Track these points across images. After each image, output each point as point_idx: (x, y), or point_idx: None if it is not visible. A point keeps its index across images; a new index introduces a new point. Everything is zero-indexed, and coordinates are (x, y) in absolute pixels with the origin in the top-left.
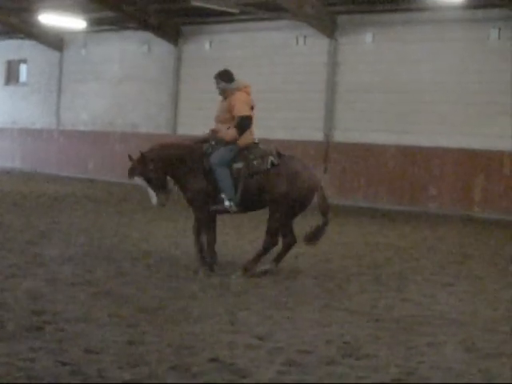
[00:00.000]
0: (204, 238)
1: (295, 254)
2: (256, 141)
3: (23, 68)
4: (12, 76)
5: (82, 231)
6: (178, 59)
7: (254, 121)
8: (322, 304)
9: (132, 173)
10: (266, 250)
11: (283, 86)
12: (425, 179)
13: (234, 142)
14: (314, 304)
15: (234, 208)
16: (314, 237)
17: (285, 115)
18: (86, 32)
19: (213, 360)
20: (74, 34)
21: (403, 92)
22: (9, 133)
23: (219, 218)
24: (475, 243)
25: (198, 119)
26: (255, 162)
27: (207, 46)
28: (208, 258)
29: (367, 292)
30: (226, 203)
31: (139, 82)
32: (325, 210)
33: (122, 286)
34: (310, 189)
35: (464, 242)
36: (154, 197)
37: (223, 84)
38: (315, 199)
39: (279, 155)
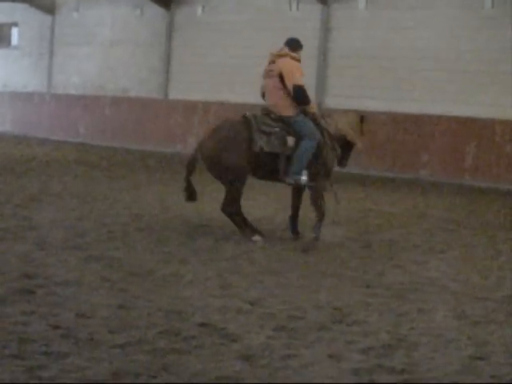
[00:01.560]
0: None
1: (285, 219)
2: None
3: (14, 31)
4: (3, 39)
5: (73, 195)
6: (170, 23)
7: (249, 82)
8: (312, 270)
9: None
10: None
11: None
12: (416, 146)
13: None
14: (305, 270)
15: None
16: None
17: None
18: None
19: (203, 324)
20: None
21: (396, 59)
22: (0, 96)
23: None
24: (466, 211)
25: (190, 84)
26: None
27: (200, 10)
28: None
29: (358, 258)
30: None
31: (131, 45)
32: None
33: (113, 250)
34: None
35: (455, 209)
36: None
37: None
38: None
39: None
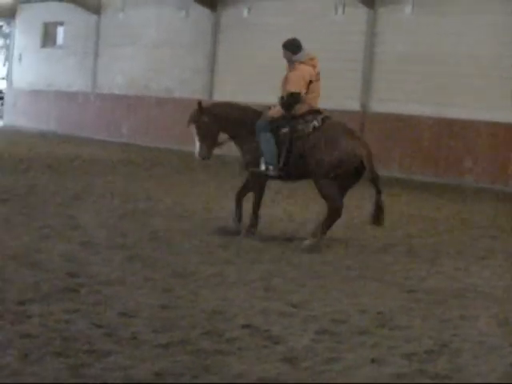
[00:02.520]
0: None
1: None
2: (317, 109)
3: (60, 31)
4: (49, 38)
5: (116, 195)
6: (216, 25)
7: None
8: (355, 274)
9: (189, 119)
10: (329, 216)
11: (320, 54)
12: (460, 152)
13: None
14: (348, 274)
15: (272, 172)
16: (377, 215)
17: (322, 84)
18: None
19: (246, 326)
20: None
21: (440, 64)
22: (45, 95)
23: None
24: (509, 218)
25: (234, 85)
26: (300, 127)
27: (245, 12)
28: (252, 220)
29: (400, 263)
30: (262, 167)
31: (176, 46)
32: (372, 178)
33: (156, 250)
34: (351, 156)
35: (498, 215)
36: (197, 148)
37: (288, 54)
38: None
39: (324, 121)
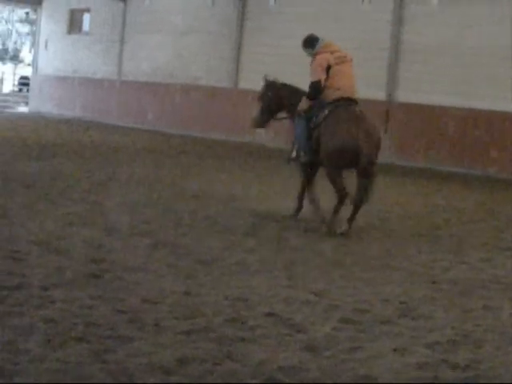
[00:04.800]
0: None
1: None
2: (349, 96)
3: (86, 17)
4: (75, 25)
5: (141, 182)
6: (242, 13)
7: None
8: (379, 263)
9: (259, 94)
10: (339, 201)
11: (346, 43)
12: (486, 142)
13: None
14: (371, 263)
15: (303, 158)
16: (360, 195)
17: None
18: None
19: (269, 314)
20: None
21: (467, 55)
22: (70, 82)
23: None
24: None
25: (260, 74)
26: (317, 115)
27: (272, 0)
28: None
29: (424, 253)
30: (293, 153)
31: (202, 34)
32: (365, 166)
33: (180, 237)
34: (343, 144)
35: None
36: (254, 117)
37: (309, 50)
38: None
39: (335, 107)
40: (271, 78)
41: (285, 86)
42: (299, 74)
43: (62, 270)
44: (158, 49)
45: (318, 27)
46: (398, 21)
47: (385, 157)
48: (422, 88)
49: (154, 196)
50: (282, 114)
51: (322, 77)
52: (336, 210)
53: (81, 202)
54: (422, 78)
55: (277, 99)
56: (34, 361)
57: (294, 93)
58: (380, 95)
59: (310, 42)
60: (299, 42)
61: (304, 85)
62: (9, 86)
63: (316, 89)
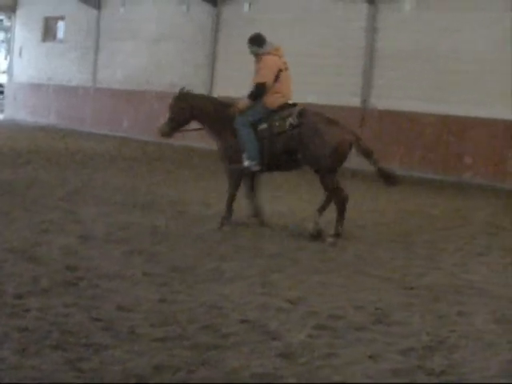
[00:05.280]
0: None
1: (328, 219)
2: (290, 102)
3: (61, 25)
4: (49, 33)
5: (116, 189)
6: (217, 20)
7: (294, 80)
8: (353, 270)
9: (170, 104)
10: (339, 206)
11: (320, 50)
12: (460, 149)
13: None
14: (346, 270)
15: (255, 167)
16: (389, 178)
17: (321, 80)
18: None
19: (244, 321)
20: None
21: (442, 61)
22: (45, 89)
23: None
24: (508, 215)
25: (235, 81)
26: (277, 123)
27: (246, 7)
28: (227, 213)
29: (399, 259)
30: (246, 163)
31: (176, 41)
32: (367, 152)
33: (155, 244)
34: (342, 144)
35: (497, 213)
36: (162, 124)
37: (255, 48)
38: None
39: (301, 115)
40: (185, 90)
41: (198, 96)
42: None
43: (36, 278)
44: (132, 56)
45: (292, 34)
46: (372, 27)
47: (358, 163)
48: (397, 94)
49: (129, 203)
50: (194, 125)
51: (270, 79)
52: (342, 217)
53: (56, 209)
54: (397, 85)
55: (188, 111)
56: (9, 369)
57: (208, 103)
58: (355, 101)
59: (259, 41)
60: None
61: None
62: None
63: (261, 90)
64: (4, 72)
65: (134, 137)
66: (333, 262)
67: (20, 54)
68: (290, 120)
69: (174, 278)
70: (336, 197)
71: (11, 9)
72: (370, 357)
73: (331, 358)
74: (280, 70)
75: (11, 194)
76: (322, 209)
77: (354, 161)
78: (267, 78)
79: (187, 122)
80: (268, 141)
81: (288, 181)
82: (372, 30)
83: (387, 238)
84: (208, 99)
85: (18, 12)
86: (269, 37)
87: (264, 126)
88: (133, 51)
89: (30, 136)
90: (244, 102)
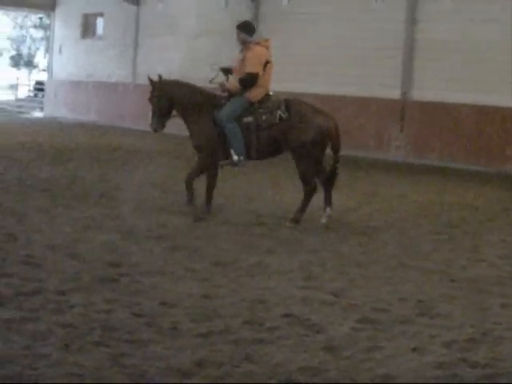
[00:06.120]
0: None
1: (369, 211)
2: (270, 93)
3: (100, 22)
4: (88, 30)
5: (157, 185)
6: (255, 14)
7: (333, 72)
8: (396, 262)
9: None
10: (308, 196)
11: (360, 42)
12: (502, 140)
13: (236, 92)
14: (389, 262)
15: (243, 162)
16: (330, 177)
17: (361, 72)
18: None
19: (287, 315)
20: None
21: (482, 51)
22: (84, 86)
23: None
24: None
25: (274, 74)
26: (264, 117)
27: (285, 1)
28: (207, 204)
29: (442, 251)
30: (235, 158)
31: (215, 36)
32: (337, 148)
33: (196, 239)
34: (324, 131)
35: None
36: (149, 119)
37: (243, 35)
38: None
39: (288, 106)
40: (156, 78)
41: (171, 83)
42: (312, 75)
43: (79, 275)
44: (171, 52)
45: (331, 27)
46: (412, 19)
47: (400, 155)
48: (437, 86)
49: (170, 199)
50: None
51: (261, 71)
52: (307, 205)
53: (97, 206)
54: (437, 76)
55: (165, 99)
56: (53, 365)
57: (182, 89)
58: (395, 94)
59: (249, 29)
60: (312, 41)
61: (321, 84)
62: (24, 92)
63: (252, 80)
64: (44, 70)
65: (175, 132)
66: (375, 254)
67: (60, 51)
68: (280, 113)
69: (216, 273)
70: (309, 185)
71: (50, 7)
72: (414, 349)
73: (374, 351)
74: (267, 62)
75: (52, 192)
76: (327, 202)
77: (394, 153)
78: (257, 68)
79: (170, 110)
80: (255, 134)
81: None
82: (412, 21)
83: (430, 229)
84: (185, 85)
85: (57, 10)
86: (308, 30)
87: (249, 119)
88: (172, 47)
89: (70, 133)
90: (233, 83)
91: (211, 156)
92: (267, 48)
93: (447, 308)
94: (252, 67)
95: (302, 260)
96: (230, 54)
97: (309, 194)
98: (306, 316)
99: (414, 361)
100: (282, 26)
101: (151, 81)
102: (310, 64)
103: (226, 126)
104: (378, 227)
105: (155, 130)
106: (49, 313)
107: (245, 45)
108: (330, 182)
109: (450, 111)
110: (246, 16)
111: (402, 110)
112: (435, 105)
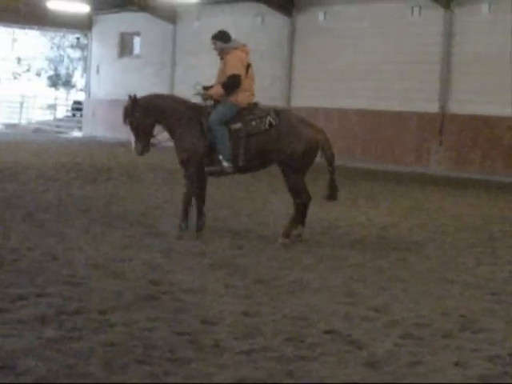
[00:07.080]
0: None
1: (409, 226)
2: (255, 101)
3: (137, 40)
4: (125, 48)
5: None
6: (292, 31)
7: (372, 87)
8: (437, 277)
9: (124, 116)
10: (300, 209)
11: (397, 57)
12: None
13: (221, 98)
14: (430, 277)
15: (231, 169)
16: (331, 192)
17: (399, 86)
18: (200, 4)
19: (329, 331)
20: (187, 6)
21: None
22: (122, 105)
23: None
24: None
25: (312, 91)
26: (253, 123)
27: (321, 17)
28: (199, 220)
29: (483, 265)
30: (224, 164)
31: (253, 54)
32: (330, 158)
33: (237, 257)
34: (314, 143)
35: None
36: (133, 144)
37: (219, 44)
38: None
39: (277, 114)
40: (132, 95)
41: (153, 96)
42: (349, 90)
43: (119, 293)
44: (209, 70)
45: (367, 42)
46: (449, 32)
47: (440, 169)
48: (475, 99)
49: (210, 216)
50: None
51: (242, 73)
52: (303, 221)
53: (137, 224)
54: (475, 89)
55: (150, 114)
56: None
57: (166, 101)
58: (433, 108)
59: (225, 37)
60: (350, 57)
61: (358, 100)
62: (62, 112)
63: (236, 82)
64: (81, 89)
65: None
66: (415, 269)
67: (97, 70)
68: (270, 119)
69: (257, 290)
70: (299, 199)
71: (87, 26)
72: (456, 364)
73: (417, 366)
74: (248, 65)
75: (92, 211)
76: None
77: (433, 167)
78: (240, 70)
79: (151, 127)
80: (243, 141)
81: (362, 190)
82: (449, 34)
83: (471, 243)
84: (168, 97)
85: (94, 29)
86: (345, 45)
87: (238, 125)
88: (209, 65)
89: (109, 152)
90: (217, 90)
91: (198, 173)
92: (246, 53)
93: (489, 322)
94: (234, 69)
95: (342, 276)
96: (269, 71)
97: (300, 207)
98: (347, 332)
99: (457, 375)
100: (318, 42)
101: (132, 98)
102: (346, 80)
103: (214, 129)
104: (418, 242)
105: (141, 154)
106: (90, 332)
107: (223, 52)
108: (331, 196)
109: (489, 124)
110: (283, 32)
111: (441, 124)
112: (474, 117)
